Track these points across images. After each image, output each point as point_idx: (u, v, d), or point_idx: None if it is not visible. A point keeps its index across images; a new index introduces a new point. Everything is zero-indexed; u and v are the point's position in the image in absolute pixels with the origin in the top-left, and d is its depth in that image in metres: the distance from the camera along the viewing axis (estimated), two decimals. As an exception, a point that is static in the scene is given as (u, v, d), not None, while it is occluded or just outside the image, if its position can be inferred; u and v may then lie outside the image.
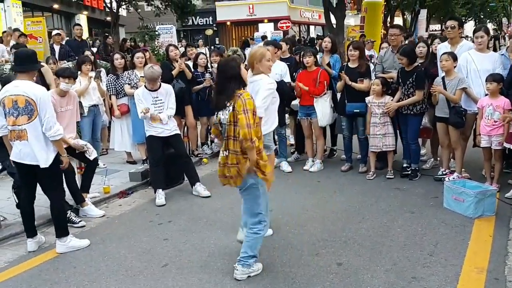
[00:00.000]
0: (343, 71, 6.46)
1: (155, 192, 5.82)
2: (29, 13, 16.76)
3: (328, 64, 6.91)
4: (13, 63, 4.69)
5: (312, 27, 31.45)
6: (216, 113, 3.90)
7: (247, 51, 11.62)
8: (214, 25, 27.01)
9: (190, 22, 27.15)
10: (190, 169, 6.11)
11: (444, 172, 5.98)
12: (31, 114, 4.23)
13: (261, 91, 4.31)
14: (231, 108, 3.60)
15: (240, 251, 3.82)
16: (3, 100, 4.29)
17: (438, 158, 6.56)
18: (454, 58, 5.66)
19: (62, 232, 4.51)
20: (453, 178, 5.65)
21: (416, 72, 5.91)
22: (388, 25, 21.23)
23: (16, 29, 10.15)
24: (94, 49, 11.02)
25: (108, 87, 7.23)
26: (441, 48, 6.09)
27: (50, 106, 4.34)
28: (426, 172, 6.41)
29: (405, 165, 6.27)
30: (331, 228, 4.74)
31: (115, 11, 15.22)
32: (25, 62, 4.37)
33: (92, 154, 5.48)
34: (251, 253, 3.77)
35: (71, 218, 5.09)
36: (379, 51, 9.65)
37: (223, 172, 3.78)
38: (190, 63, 7.91)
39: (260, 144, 3.65)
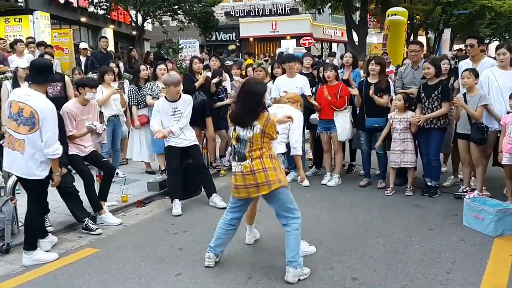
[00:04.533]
0: (363, 86, 6.44)
1: (172, 202, 5.85)
2: (56, 26, 17.20)
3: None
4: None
5: (334, 45, 31.51)
6: (234, 128, 3.98)
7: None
8: (237, 40, 27.30)
9: (214, 38, 27.50)
10: (208, 180, 6.13)
11: (464, 190, 5.87)
12: (33, 126, 4.18)
13: (297, 127, 4.56)
14: (257, 129, 3.79)
15: (286, 254, 3.85)
16: (11, 103, 4.29)
17: (459, 175, 6.45)
18: (476, 75, 5.60)
19: (29, 246, 4.40)
20: (474, 196, 5.54)
21: (442, 85, 5.86)
22: (411, 42, 21.06)
23: (41, 43, 10.36)
24: (121, 64, 11.17)
25: (130, 97, 7.34)
26: (463, 65, 6.04)
27: (54, 123, 4.24)
28: (446, 189, 6.30)
29: (429, 183, 6.16)
30: (347, 242, 4.68)
31: (140, 24, 15.53)
32: (39, 74, 4.34)
33: (101, 128, 5.53)
34: (298, 251, 3.84)
35: (89, 225, 5.14)
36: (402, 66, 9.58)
37: (245, 181, 3.83)
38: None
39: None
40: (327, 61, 13.21)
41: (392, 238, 4.77)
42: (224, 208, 5.78)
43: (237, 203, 4.09)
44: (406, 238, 4.74)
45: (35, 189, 4.39)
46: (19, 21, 15.21)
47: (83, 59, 10.90)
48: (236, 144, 3.91)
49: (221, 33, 27.76)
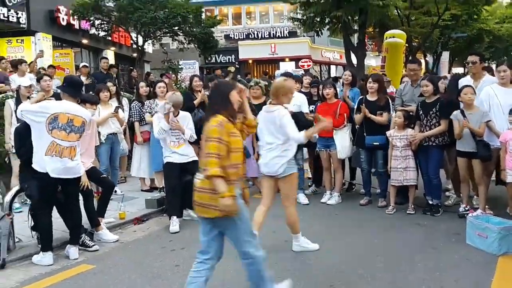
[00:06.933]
0: (362, 104, 6.42)
1: (170, 219, 5.77)
2: (58, 48, 17.35)
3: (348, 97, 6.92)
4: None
5: (333, 67, 31.74)
6: None
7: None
8: (236, 62, 27.49)
9: (213, 60, 27.72)
10: None
11: (466, 209, 5.80)
12: (82, 133, 4.82)
13: (287, 124, 4.51)
14: None
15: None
16: (57, 115, 4.60)
17: (461, 194, 6.39)
18: (474, 91, 5.60)
19: (77, 240, 4.97)
20: (477, 214, 5.47)
21: (439, 102, 5.85)
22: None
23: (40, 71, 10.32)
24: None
25: (133, 113, 7.39)
26: (463, 81, 6.04)
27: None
28: (449, 208, 6.24)
29: (430, 202, 6.10)
30: (348, 260, 4.60)
31: (141, 46, 15.66)
32: (76, 88, 5.01)
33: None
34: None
35: (85, 241, 5.08)
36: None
37: (196, 198, 3.41)
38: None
39: (229, 175, 3.28)
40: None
41: (393, 256, 4.69)
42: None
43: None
44: (408, 257, 4.66)
45: (78, 188, 4.99)
46: (21, 42, 15.31)
47: (83, 78, 10.93)
48: None
49: (221, 55, 27.96)
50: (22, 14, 15.03)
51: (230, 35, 29.06)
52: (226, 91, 3.44)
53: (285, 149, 4.63)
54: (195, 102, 7.20)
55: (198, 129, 6.79)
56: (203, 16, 16.51)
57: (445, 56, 28.93)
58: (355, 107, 6.63)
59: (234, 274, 4.17)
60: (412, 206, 6.15)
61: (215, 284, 3.89)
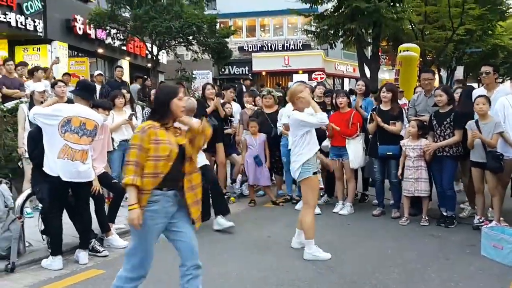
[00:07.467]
0: (375, 112, 6.37)
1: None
2: (74, 57, 17.60)
3: (361, 107, 6.87)
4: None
5: (346, 80, 31.71)
6: None
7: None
8: (250, 74, 27.61)
9: (227, 71, 27.84)
10: (219, 197, 6.04)
11: (480, 220, 5.69)
12: (94, 136, 4.82)
13: (300, 115, 4.76)
14: None
15: None
16: (70, 118, 4.61)
17: (476, 206, 6.28)
18: (489, 101, 5.52)
19: (86, 245, 4.95)
20: (491, 225, 5.36)
21: (454, 112, 5.78)
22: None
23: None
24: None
25: (145, 119, 7.40)
26: (477, 92, 5.97)
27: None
28: (463, 220, 6.14)
29: (444, 213, 6.00)
30: (361, 270, 4.52)
31: (155, 55, 15.81)
32: (89, 92, 5.06)
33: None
34: None
35: (95, 246, 5.06)
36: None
37: None
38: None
39: (144, 184, 3.13)
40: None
41: (407, 267, 4.60)
42: (231, 227, 5.72)
43: None
44: (422, 267, 4.57)
45: (89, 192, 5.00)
46: (37, 50, 15.54)
47: (98, 87, 11.03)
48: None
49: (234, 67, 28.13)
50: (39, 22, 15.29)
51: (244, 47, 29.21)
52: (166, 98, 3.27)
53: (300, 153, 4.69)
54: (208, 110, 7.20)
55: (211, 137, 6.83)
56: (218, 26, 16.60)
57: (459, 71, 28.70)
58: (368, 116, 6.58)
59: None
60: (426, 218, 6.06)
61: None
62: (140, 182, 3.11)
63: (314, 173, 4.84)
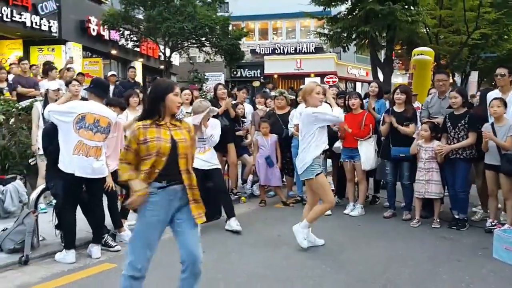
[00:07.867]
0: (389, 114, 6.35)
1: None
2: (88, 57, 17.79)
3: (374, 109, 6.87)
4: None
5: (359, 84, 31.62)
6: None
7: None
8: (262, 77, 27.63)
9: (239, 74, 27.92)
10: (227, 204, 6.06)
11: (493, 223, 5.65)
12: (108, 133, 4.86)
13: (316, 111, 4.83)
14: None
15: None
16: (84, 115, 4.68)
17: (489, 210, 6.23)
18: (505, 104, 5.48)
19: (99, 239, 5.01)
20: (504, 228, 5.31)
21: (469, 114, 5.76)
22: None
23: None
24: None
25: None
26: (492, 95, 5.92)
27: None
28: (476, 223, 6.09)
29: (456, 216, 5.96)
30: (371, 270, 4.51)
31: (168, 56, 15.92)
32: (103, 89, 5.09)
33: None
34: None
35: (108, 241, 5.12)
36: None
37: None
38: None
39: (142, 179, 3.17)
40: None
41: (418, 268, 4.59)
42: (239, 231, 5.72)
43: None
44: (433, 268, 4.55)
45: (102, 188, 5.05)
46: (52, 51, 15.72)
47: (111, 87, 11.12)
48: None
49: (246, 69, 28.19)
50: (54, 23, 15.48)
51: (256, 50, 29.26)
52: (162, 93, 3.24)
53: (304, 152, 4.73)
54: (219, 110, 7.23)
55: (222, 137, 6.84)
56: (230, 28, 16.67)
57: (474, 76, 28.40)
58: (381, 118, 6.56)
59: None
60: (438, 220, 6.03)
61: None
62: (137, 176, 3.18)
63: (317, 175, 4.89)
